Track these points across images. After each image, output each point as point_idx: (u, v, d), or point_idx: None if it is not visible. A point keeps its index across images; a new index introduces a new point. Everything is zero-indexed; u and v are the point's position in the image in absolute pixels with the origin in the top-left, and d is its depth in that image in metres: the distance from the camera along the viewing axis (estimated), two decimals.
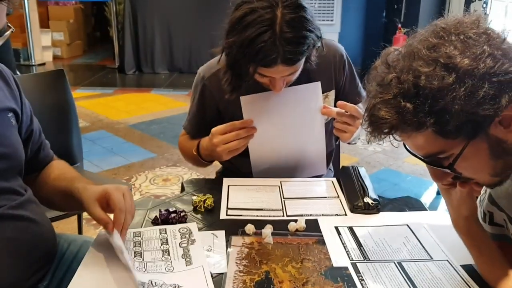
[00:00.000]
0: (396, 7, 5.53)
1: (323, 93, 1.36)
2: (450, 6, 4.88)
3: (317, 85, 1.33)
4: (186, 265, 0.95)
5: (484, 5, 4.24)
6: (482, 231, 0.93)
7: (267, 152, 1.38)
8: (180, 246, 1.01)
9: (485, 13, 4.37)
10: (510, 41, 0.76)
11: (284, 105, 1.33)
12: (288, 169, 1.39)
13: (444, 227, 0.99)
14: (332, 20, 5.64)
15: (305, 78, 1.33)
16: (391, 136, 0.82)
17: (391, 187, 3.12)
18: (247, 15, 1.12)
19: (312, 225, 1.12)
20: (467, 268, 0.95)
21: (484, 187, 0.89)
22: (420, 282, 0.91)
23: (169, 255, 0.98)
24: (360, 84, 1.49)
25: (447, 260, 0.98)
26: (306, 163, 1.42)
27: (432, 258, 0.99)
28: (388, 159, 3.50)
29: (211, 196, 1.21)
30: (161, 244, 1.02)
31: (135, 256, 0.97)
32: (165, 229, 1.08)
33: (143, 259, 0.96)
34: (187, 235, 1.05)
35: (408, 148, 0.85)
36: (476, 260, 0.93)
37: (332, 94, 1.42)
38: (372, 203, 1.18)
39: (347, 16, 5.77)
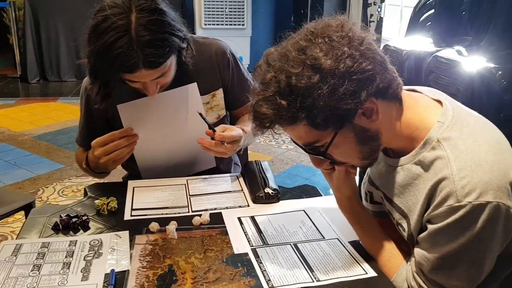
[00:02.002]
0: (302, 12, 5.81)
1: (209, 92, 1.40)
2: (350, 10, 5.22)
3: (194, 86, 1.35)
4: (81, 280, 0.92)
5: (379, 9, 4.59)
6: (363, 209, 1.04)
7: (153, 155, 1.39)
8: (84, 259, 0.98)
9: (380, 17, 4.74)
10: (369, 42, 0.86)
11: (164, 109, 1.34)
12: (177, 168, 1.40)
13: (335, 210, 1.08)
14: (243, 25, 5.76)
15: (186, 78, 1.34)
16: (274, 129, 0.89)
17: (303, 181, 3.28)
18: (100, 23, 1.11)
19: (217, 218, 1.16)
20: (354, 244, 1.04)
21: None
22: (313, 259, 0.99)
23: (68, 268, 0.95)
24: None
25: (337, 238, 1.07)
26: (194, 160, 1.44)
27: (324, 238, 1.07)
28: (300, 156, 3.66)
29: (114, 198, 1.21)
30: (65, 257, 1.00)
31: (31, 270, 0.95)
32: (76, 241, 1.05)
33: (39, 273, 0.94)
34: (96, 248, 1.03)
35: (292, 138, 0.93)
36: (359, 236, 1.03)
37: (219, 92, 1.44)
38: (272, 193, 1.25)
39: (257, 20, 5.93)
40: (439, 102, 0.95)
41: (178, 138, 1.40)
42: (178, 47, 1.20)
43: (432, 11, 2.73)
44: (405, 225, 0.94)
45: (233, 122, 1.54)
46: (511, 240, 0.88)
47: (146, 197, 1.26)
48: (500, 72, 1.73)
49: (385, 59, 0.88)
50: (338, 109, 0.82)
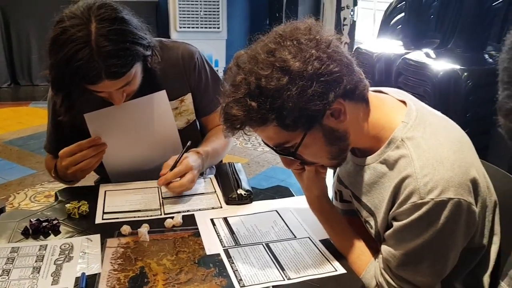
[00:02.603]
0: (277, 15, 5.85)
1: (177, 98, 1.39)
2: (324, 13, 5.29)
3: (163, 94, 1.34)
4: (52, 284, 0.91)
5: (352, 13, 4.67)
6: (332, 208, 1.06)
7: (122, 163, 1.38)
8: (54, 264, 0.97)
9: (353, 20, 4.82)
10: (336, 45, 0.89)
11: (132, 117, 1.33)
12: (147, 173, 1.38)
13: (307, 209, 1.10)
14: (219, 28, 5.76)
15: (154, 84, 1.32)
16: (245, 130, 0.91)
17: (279, 183, 3.29)
18: (59, 35, 1.10)
19: (189, 220, 1.17)
20: (325, 242, 1.06)
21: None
22: (284, 258, 1.00)
23: (38, 273, 0.94)
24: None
25: (309, 237, 1.09)
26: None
27: (295, 237, 1.09)
28: (276, 158, 3.68)
29: (86, 202, 1.20)
30: (35, 261, 0.98)
31: (1, 275, 0.93)
32: (46, 245, 1.04)
33: (8, 278, 0.93)
34: (67, 252, 1.02)
35: (263, 140, 0.94)
36: (329, 234, 1.05)
37: (188, 98, 1.42)
38: (245, 194, 1.26)
39: (233, 23, 5.95)
40: (404, 102, 0.98)
41: (148, 146, 1.39)
42: (142, 55, 1.19)
43: (402, 14, 2.81)
44: (372, 222, 0.97)
45: (204, 132, 1.52)
46: (473, 235, 0.92)
47: (118, 201, 1.26)
48: (465, 74, 1.80)
49: (351, 61, 0.91)
50: (307, 110, 0.84)
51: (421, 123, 0.91)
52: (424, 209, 0.83)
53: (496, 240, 0.97)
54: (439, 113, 0.99)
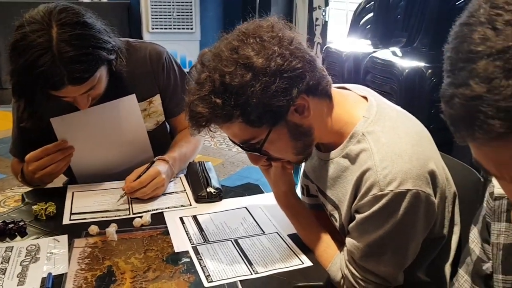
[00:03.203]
0: (251, 16, 5.85)
1: (146, 99, 1.38)
2: (296, 14, 5.34)
3: (132, 98, 1.33)
4: (18, 285, 0.90)
5: (323, 13, 4.73)
6: (299, 203, 1.08)
7: (90, 166, 1.37)
8: (20, 265, 0.97)
9: (325, 21, 4.88)
10: (298, 42, 0.91)
11: (101, 121, 1.32)
12: (116, 175, 1.37)
13: (276, 205, 1.11)
14: (192, 29, 5.74)
15: (121, 86, 1.31)
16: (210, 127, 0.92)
17: (254, 182, 3.31)
18: (19, 41, 1.08)
19: (158, 219, 1.17)
20: (293, 237, 1.08)
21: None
22: (252, 254, 1.02)
23: (4, 274, 0.93)
24: None
25: (277, 232, 1.11)
26: (133, 168, 1.37)
27: (264, 232, 1.11)
28: None
29: (53, 203, 1.19)
30: (1, 263, 0.97)
31: None
32: (12, 247, 1.03)
33: None
34: (33, 253, 1.01)
35: (229, 137, 0.95)
36: (296, 229, 1.07)
37: (157, 99, 1.41)
38: (214, 192, 1.27)
39: (206, 24, 5.94)
40: (366, 98, 1.00)
41: (117, 149, 1.38)
42: (106, 59, 1.18)
43: (371, 14, 2.86)
44: (337, 216, 0.99)
45: (173, 134, 1.52)
46: (434, 226, 0.95)
47: (86, 201, 1.25)
48: (430, 71, 1.85)
49: (314, 58, 0.93)
50: (271, 106, 0.85)
51: (381, 117, 0.94)
52: (384, 200, 0.86)
53: (457, 230, 1.01)
54: (399, 107, 1.03)
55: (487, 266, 0.74)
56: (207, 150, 3.80)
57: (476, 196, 0.99)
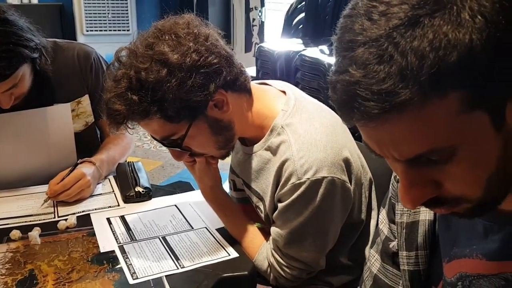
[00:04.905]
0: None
1: (73, 99, 1.37)
2: (234, 14, 5.38)
3: (66, 106, 1.33)
4: None
5: (260, 14, 4.81)
6: (226, 197, 1.10)
7: (12, 171, 1.33)
8: None
9: (262, 21, 4.97)
10: (215, 39, 0.93)
11: (30, 125, 1.30)
12: (40, 180, 1.33)
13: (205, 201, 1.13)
14: (128, 30, 5.62)
15: (46, 85, 1.30)
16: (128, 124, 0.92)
17: (194, 184, 3.31)
18: None
19: (85, 221, 1.15)
20: (221, 231, 1.10)
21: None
22: (180, 249, 1.03)
23: None
24: None
25: (206, 227, 1.12)
26: (61, 171, 1.32)
27: (193, 228, 1.12)
28: None
29: None
30: None
31: None
32: None
33: None
34: None
35: (150, 134, 0.96)
36: (223, 222, 1.09)
37: (85, 99, 1.41)
38: (143, 191, 1.26)
39: (143, 25, 5.83)
40: (285, 92, 1.04)
41: (45, 154, 1.35)
42: (29, 57, 1.16)
43: (303, 15, 2.95)
44: (262, 207, 1.03)
45: (103, 136, 1.50)
46: (352, 211, 1.00)
47: (8, 207, 1.20)
48: None
49: (231, 54, 0.95)
50: (188, 101, 0.87)
51: (298, 110, 0.98)
52: (302, 188, 0.90)
53: (374, 214, 1.07)
54: (316, 100, 1.07)
55: (393, 244, 0.79)
56: (147, 152, 3.75)
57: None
